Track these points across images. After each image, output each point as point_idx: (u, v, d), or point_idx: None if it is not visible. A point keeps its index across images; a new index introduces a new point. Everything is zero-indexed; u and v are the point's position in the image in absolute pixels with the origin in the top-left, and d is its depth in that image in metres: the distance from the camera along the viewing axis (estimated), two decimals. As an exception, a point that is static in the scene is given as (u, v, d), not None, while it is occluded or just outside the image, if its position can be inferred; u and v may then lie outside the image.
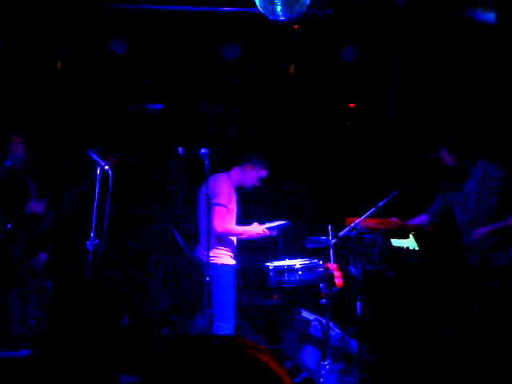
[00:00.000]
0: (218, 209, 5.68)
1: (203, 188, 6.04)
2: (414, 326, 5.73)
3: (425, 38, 6.82)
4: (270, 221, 6.26)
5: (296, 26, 6.90)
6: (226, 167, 6.15)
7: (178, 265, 6.97)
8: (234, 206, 6.02)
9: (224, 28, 6.98)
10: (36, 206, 5.86)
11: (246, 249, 6.52)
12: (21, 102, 6.96)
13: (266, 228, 6.10)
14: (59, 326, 5.57)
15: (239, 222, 6.16)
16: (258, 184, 6.17)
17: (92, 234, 5.31)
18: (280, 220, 6.26)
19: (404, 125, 7.51)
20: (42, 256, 5.85)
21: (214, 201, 5.62)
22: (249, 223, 6.10)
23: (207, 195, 5.45)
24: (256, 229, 6.02)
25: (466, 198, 5.77)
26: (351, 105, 7.90)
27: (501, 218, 5.59)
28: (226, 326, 5.75)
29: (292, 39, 7.13)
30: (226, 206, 5.84)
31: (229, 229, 5.91)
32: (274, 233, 6.15)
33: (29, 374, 4.59)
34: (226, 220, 5.86)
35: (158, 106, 7.51)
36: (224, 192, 5.86)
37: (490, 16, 5.87)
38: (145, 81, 7.44)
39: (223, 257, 5.94)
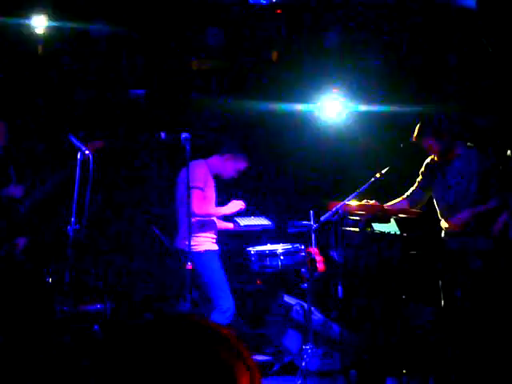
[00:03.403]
0: (194, 192, 5.65)
1: (181, 174, 6.00)
2: (395, 310, 5.75)
3: (404, 20, 6.82)
4: (254, 214, 6.25)
5: (278, 11, 6.87)
6: (204, 154, 6.12)
7: (160, 251, 6.95)
8: (211, 193, 5.98)
9: (206, 12, 6.94)
10: (14, 190, 5.82)
11: (228, 233, 6.52)
12: (1, 88, 6.91)
13: (247, 227, 6.12)
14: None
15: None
16: (236, 176, 6.13)
17: (73, 220, 5.30)
18: (264, 217, 6.25)
19: (384, 108, 7.50)
20: (21, 241, 5.81)
21: (191, 184, 5.55)
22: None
23: (187, 181, 5.42)
24: (234, 206, 5.98)
25: (447, 184, 5.77)
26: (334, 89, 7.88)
27: (481, 202, 5.59)
28: (227, 307, 5.78)
29: (275, 24, 7.10)
30: (202, 189, 5.81)
31: (207, 210, 5.89)
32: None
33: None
34: (204, 203, 5.83)
35: (141, 92, 7.48)
36: (200, 176, 5.83)
37: (470, 1, 5.88)
38: (127, 66, 7.40)
39: (204, 243, 5.92)
